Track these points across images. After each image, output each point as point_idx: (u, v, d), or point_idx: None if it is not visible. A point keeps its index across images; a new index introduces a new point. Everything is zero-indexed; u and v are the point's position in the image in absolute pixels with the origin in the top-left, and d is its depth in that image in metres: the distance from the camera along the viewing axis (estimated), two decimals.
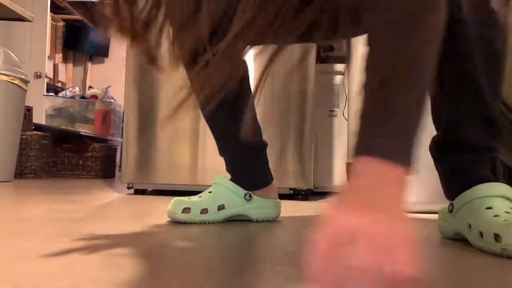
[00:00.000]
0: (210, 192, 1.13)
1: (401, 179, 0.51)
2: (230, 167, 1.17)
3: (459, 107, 0.88)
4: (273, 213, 1.18)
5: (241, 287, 0.53)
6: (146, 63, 0.87)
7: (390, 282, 0.41)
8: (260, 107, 2.01)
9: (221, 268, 0.62)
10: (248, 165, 1.16)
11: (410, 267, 0.42)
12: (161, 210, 1.36)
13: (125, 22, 0.77)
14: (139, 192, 2.10)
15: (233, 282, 0.55)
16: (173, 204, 1.09)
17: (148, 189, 2.16)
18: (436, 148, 0.94)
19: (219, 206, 1.10)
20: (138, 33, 0.80)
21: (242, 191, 1.13)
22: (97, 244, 0.76)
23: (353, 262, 0.42)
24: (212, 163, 2.03)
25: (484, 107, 0.86)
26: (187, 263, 0.64)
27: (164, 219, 1.13)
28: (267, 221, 1.17)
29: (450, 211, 0.90)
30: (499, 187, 0.85)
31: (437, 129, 0.94)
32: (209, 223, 1.09)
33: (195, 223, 1.07)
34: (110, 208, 1.42)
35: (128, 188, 2.12)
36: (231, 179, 1.15)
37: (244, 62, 1.14)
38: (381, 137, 0.52)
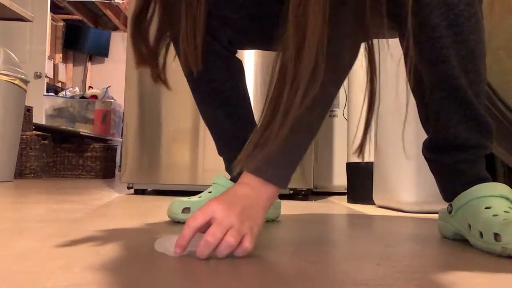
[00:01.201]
0: (210, 192, 1.13)
1: (271, 196, 0.76)
2: (229, 167, 1.17)
3: (443, 108, 0.88)
4: (273, 213, 1.18)
5: (240, 287, 0.53)
6: (155, 82, 0.93)
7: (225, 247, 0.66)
8: (261, 107, 2.01)
9: (221, 268, 0.62)
10: None
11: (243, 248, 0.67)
12: (161, 210, 1.36)
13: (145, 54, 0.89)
14: (139, 192, 2.11)
15: (233, 282, 0.55)
16: (173, 204, 1.09)
17: (148, 189, 2.16)
18: (428, 150, 0.95)
19: None
20: (151, 52, 0.90)
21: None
22: (97, 244, 0.76)
23: (206, 235, 0.66)
24: (212, 163, 2.03)
25: (468, 105, 0.86)
26: (187, 263, 0.64)
27: (164, 219, 1.13)
28: (267, 221, 1.17)
29: (449, 212, 0.90)
30: (498, 187, 0.85)
31: (426, 132, 0.95)
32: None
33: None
34: (110, 208, 1.42)
35: (128, 188, 2.12)
36: (230, 179, 1.14)
37: (240, 62, 1.13)
38: (270, 165, 0.75)
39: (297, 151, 0.82)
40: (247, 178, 0.76)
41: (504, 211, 0.79)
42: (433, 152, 0.94)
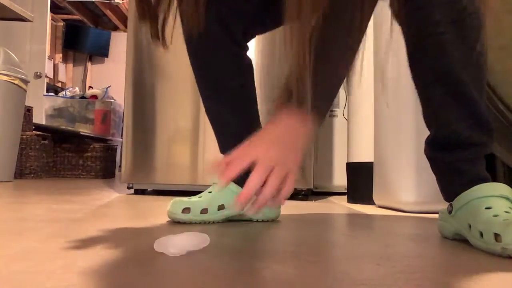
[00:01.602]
0: (210, 192, 1.12)
1: (308, 135, 0.76)
2: None
3: (444, 103, 0.88)
4: (273, 213, 1.18)
5: (240, 287, 0.53)
6: (153, 39, 0.91)
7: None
8: (261, 107, 2.01)
9: (220, 268, 0.62)
10: None
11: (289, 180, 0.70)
12: (161, 210, 1.36)
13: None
14: (139, 192, 2.11)
15: (233, 282, 0.55)
16: (173, 204, 1.09)
17: (148, 189, 2.16)
18: (430, 149, 0.95)
19: (219, 206, 1.10)
20: (152, 10, 0.89)
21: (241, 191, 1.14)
22: (97, 244, 0.76)
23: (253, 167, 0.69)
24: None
25: (470, 101, 0.86)
26: (187, 263, 0.64)
27: (164, 219, 1.13)
28: (267, 221, 1.17)
29: (450, 212, 0.90)
30: (498, 187, 0.85)
31: (429, 129, 0.95)
32: (209, 223, 1.09)
33: (195, 223, 1.08)
34: (110, 208, 1.42)
35: (128, 188, 2.12)
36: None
37: (250, 61, 1.15)
38: (306, 100, 0.74)
39: (329, 89, 0.81)
40: (282, 117, 0.76)
41: (505, 211, 0.79)
42: (435, 150, 0.94)
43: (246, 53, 1.14)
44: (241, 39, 1.10)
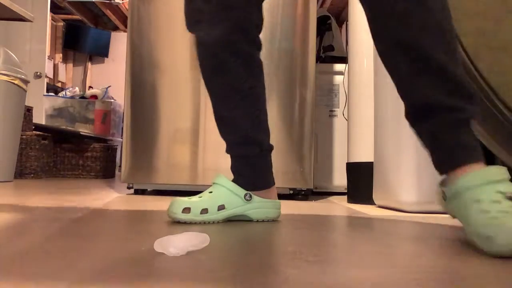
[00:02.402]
0: (211, 192, 1.13)
1: None
2: (236, 165, 1.19)
3: (412, 73, 0.89)
4: (273, 213, 1.18)
5: (241, 287, 0.53)
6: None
7: None
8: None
9: (221, 268, 0.62)
10: (254, 164, 1.17)
11: None
12: (161, 210, 1.36)
13: None
14: (139, 192, 2.11)
15: (233, 282, 0.55)
16: (173, 204, 1.09)
17: (148, 189, 2.16)
18: (411, 121, 0.96)
19: (219, 206, 1.11)
20: None
21: (242, 192, 1.14)
22: (97, 244, 0.76)
23: None
24: (212, 163, 2.03)
25: (438, 66, 0.87)
26: (187, 263, 0.64)
27: (164, 219, 1.13)
28: (267, 221, 1.17)
29: (444, 198, 0.90)
30: (486, 173, 0.83)
31: (405, 105, 0.96)
32: (209, 223, 1.10)
33: (195, 223, 1.08)
34: (110, 208, 1.42)
35: (128, 188, 2.12)
36: (233, 180, 1.16)
37: (261, 62, 1.17)
38: None
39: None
40: None
41: (493, 201, 0.78)
42: (415, 120, 0.95)
43: (259, 53, 1.15)
44: (258, 38, 1.13)
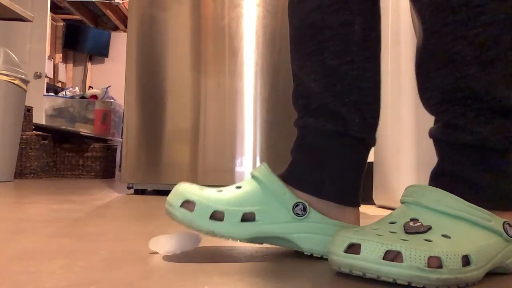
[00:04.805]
0: (239, 187, 0.71)
1: None
2: (296, 147, 0.75)
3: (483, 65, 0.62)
4: None
5: (241, 285, 0.53)
6: None
7: None
8: (262, 107, 2.02)
9: (218, 268, 0.62)
10: (346, 161, 0.72)
11: None
12: (161, 210, 1.36)
13: None
14: (139, 192, 2.11)
15: (233, 281, 0.55)
16: (174, 190, 0.71)
17: (148, 189, 2.16)
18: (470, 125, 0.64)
19: (244, 215, 0.67)
20: None
21: (292, 199, 0.69)
22: (97, 244, 0.76)
23: None
24: (212, 163, 2.03)
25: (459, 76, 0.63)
26: (187, 263, 0.64)
27: (164, 219, 1.13)
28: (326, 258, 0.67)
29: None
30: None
31: (431, 110, 0.69)
32: (221, 237, 0.67)
33: (197, 231, 0.68)
34: (110, 208, 1.42)
35: (128, 188, 2.12)
36: (283, 174, 0.73)
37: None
38: None
39: None
40: None
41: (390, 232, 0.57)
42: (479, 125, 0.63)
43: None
44: None
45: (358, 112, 0.71)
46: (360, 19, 0.71)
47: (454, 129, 0.65)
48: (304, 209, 0.68)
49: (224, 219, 0.66)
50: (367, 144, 0.75)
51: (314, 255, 0.69)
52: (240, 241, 0.67)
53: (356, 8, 0.71)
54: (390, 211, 0.66)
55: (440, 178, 0.69)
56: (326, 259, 0.67)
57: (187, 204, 0.67)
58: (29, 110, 3.27)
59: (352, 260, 0.55)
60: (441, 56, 0.64)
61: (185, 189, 0.69)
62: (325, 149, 0.71)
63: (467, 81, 0.63)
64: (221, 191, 0.70)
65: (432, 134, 0.69)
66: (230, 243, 0.81)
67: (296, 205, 0.68)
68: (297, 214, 0.68)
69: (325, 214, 0.69)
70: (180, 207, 0.67)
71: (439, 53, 0.65)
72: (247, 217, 0.67)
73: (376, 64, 0.74)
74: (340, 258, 0.56)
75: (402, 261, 0.52)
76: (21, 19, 2.84)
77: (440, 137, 0.68)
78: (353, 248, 0.55)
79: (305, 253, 0.69)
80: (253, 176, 0.71)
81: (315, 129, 0.72)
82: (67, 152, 3.71)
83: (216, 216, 0.66)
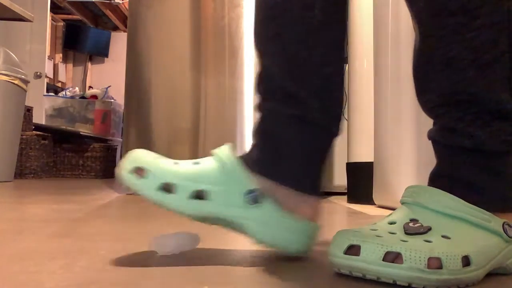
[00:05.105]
0: (197, 163, 0.67)
1: None
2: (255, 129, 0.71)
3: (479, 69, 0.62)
4: (292, 242, 0.66)
5: (240, 285, 0.53)
6: None
7: None
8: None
9: (220, 268, 0.62)
10: (304, 147, 0.69)
11: None
12: (160, 210, 1.36)
13: None
14: None
15: (232, 280, 0.55)
16: (128, 156, 0.66)
17: None
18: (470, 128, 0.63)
19: (197, 192, 0.63)
20: None
21: (248, 184, 0.65)
22: (97, 244, 0.76)
23: None
24: None
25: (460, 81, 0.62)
26: (187, 263, 0.64)
27: (164, 219, 1.13)
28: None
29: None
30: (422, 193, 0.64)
31: (431, 113, 0.68)
32: (169, 210, 0.64)
33: (146, 198, 0.63)
34: (110, 208, 1.42)
35: None
36: (243, 156, 0.68)
37: None
38: None
39: None
40: None
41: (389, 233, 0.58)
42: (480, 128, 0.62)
43: None
44: None
45: (318, 98, 0.68)
46: (320, 3, 0.68)
47: (452, 132, 0.65)
48: (258, 197, 0.64)
49: (175, 192, 0.63)
50: (330, 132, 0.71)
51: (259, 244, 0.66)
52: (190, 218, 0.64)
53: None
54: (390, 211, 0.66)
55: (439, 179, 0.69)
56: (265, 259, 0.66)
57: (139, 170, 0.63)
58: (29, 110, 3.27)
59: (352, 262, 0.54)
60: (438, 59, 0.65)
61: (140, 156, 0.65)
62: (283, 133, 0.68)
63: (465, 85, 0.63)
64: (177, 163, 0.66)
65: (431, 136, 0.69)
66: (229, 243, 0.81)
67: (251, 191, 0.64)
68: (250, 201, 0.64)
69: (281, 203, 0.65)
70: (130, 172, 0.63)
71: (436, 56, 0.65)
72: (199, 195, 0.63)
73: (339, 49, 0.71)
74: (340, 259, 0.55)
75: (402, 262, 0.52)
76: (21, 19, 2.84)
77: (438, 139, 0.68)
78: (353, 250, 0.54)
79: (254, 242, 0.66)
80: (214, 155, 0.68)
81: (273, 113, 0.69)
82: (67, 152, 3.71)
83: (167, 188, 0.63)
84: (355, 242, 0.55)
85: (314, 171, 0.71)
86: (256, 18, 0.73)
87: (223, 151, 0.68)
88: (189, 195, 0.63)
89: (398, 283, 0.53)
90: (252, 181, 0.65)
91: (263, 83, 0.71)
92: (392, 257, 0.53)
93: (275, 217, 0.65)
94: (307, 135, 0.69)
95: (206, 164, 0.66)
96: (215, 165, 0.66)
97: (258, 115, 0.72)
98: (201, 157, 0.71)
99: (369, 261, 0.53)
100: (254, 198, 0.64)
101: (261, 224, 0.64)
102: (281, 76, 0.68)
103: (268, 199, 0.65)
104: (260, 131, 0.71)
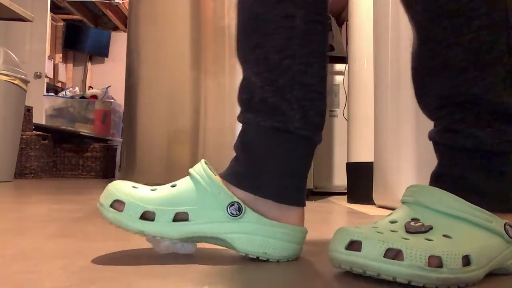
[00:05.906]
0: (174, 186, 0.68)
1: None
2: (237, 143, 0.72)
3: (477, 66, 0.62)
4: (280, 249, 0.66)
5: (240, 285, 0.53)
6: None
7: None
8: None
9: (220, 268, 0.62)
10: (286, 159, 0.68)
11: None
12: None
13: None
14: None
15: (232, 280, 0.55)
16: (105, 190, 0.67)
17: None
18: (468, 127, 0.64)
19: (176, 214, 0.64)
20: None
21: (226, 197, 0.65)
22: (97, 244, 0.76)
23: None
24: (212, 163, 2.02)
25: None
26: (187, 263, 0.64)
27: None
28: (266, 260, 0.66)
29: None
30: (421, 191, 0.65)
31: (431, 115, 0.69)
32: (154, 237, 0.65)
33: (127, 230, 0.64)
34: None
35: None
36: (222, 174, 0.70)
37: None
38: None
39: None
40: None
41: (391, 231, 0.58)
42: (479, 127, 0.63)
43: None
44: None
45: (300, 108, 0.67)
46: (302, 13, 0.68)
47: (454, 133, 0.65)
48: (239, 209, 0.65)
49: (155, 219, 0.64)
50: (312, 142, 0.70)
51: (249, 256, 0.65)
52: (176, 241, 0.65)
53: (299, 1, 0.68)
54: (390, 211, 0.66)
55: (440, 180, 0.68)
56: (264, 261, 0.65)
57: (117, 204, 0.64)
58: (29, 110, 3.27)
59: (352, 258, 0.54)
60: (437, 62, 0.64)
61: (116, 188, 0.66)
62: (264, 145, 0.68)
63: (465, 86, 0.63)
64: (155, 189, 0.67)
65: (432, 137, 0.69)
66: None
67: (231, 204, 0.65)
68: (232, 214, 0.64)
69: (262, 213, 0.66)
70: (110, 207, 0.64)
71: (434, 59, 0.65)
72: (180, 217, 0.64)
73: (322, 59, 0.71)
74: (341, 255, 0.55)
75: (402, 260, 0.52)
76: (21, 19, 2.84)
77: (439, 140, 0.68)
78: (354, 245, 0.54)
79: (240, 254, 0.66)
80: (190, 174, 0.68)
81: (254, 125, 0.68)
82: (67, 152, 3.71)
83: (147, 216, 0.64)
84: (356, 238, 0.55)
85: (296, 182, 0.69)
86: (238, 28, 0.73)
87: (197, 169, 0.68)
88: (170, 219, 0.64)
89: (398, 280, 0.53)
90: (231, 195, 0.65)
91: (244, 94, 0.71)
92: (393, 254, 0.53)
93: (259, 226, 0.65)
94: (288, 146, 0.68)
95: (183, 186, 0.67)
96: (191, 185, 0.66)
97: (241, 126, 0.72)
98: (201, 158, 0.71)
99: (370, 257, 0.53)
100: (235, 210, 0.65)
101: (246, 235, 0.65)
102: (262, 86, 0.68)
103: (250, 210, 0.65)
104: (241, 143, 0.70)
